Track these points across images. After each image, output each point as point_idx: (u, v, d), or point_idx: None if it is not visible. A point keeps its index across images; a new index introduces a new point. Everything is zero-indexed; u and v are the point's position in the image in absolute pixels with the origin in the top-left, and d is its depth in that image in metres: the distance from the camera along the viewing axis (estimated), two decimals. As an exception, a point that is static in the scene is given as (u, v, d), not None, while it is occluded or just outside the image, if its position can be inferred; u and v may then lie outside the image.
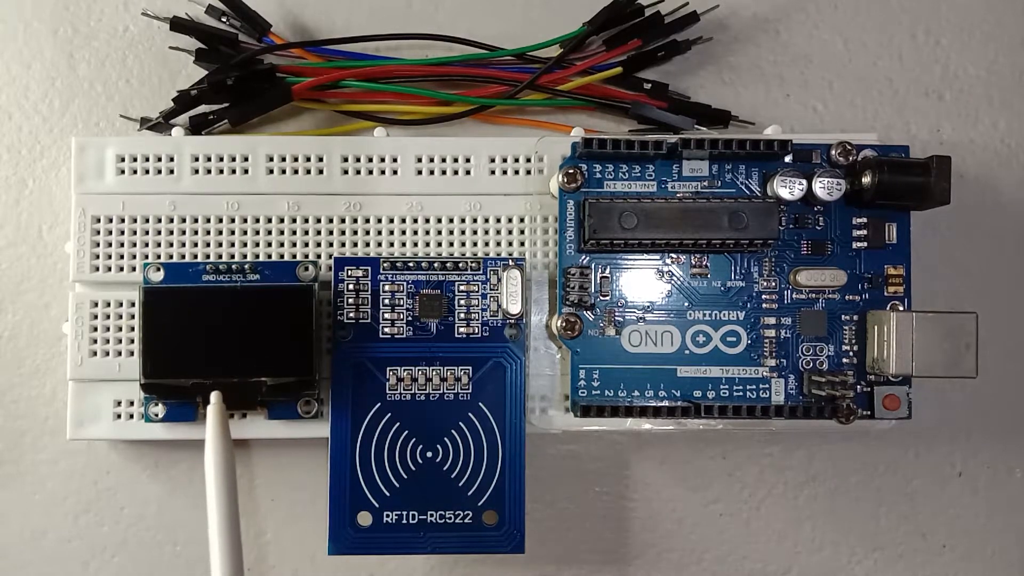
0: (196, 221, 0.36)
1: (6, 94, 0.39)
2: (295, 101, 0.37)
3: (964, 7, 0.40)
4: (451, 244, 0.36)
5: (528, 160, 0.36)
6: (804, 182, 0.34)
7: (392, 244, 0.36)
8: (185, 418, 0.35)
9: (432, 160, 0.36)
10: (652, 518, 0.39)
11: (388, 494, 0.34)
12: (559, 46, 0.38)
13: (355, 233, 0.36)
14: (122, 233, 0.35)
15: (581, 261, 0.35)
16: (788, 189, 0.34)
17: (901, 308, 0.35)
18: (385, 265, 0.35)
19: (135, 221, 0.35)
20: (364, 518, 0.34)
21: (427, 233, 0.36)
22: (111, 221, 0.35)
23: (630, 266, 0.35)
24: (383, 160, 0.36)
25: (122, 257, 0.35)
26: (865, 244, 0.35)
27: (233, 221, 0.36)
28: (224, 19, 0.37)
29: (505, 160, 0.36)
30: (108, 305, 0.35)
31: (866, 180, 0.34)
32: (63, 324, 0.36)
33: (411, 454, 0.34)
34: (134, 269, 0.35)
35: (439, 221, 0.36)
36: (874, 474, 0.39)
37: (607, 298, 0.35)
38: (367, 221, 0.36)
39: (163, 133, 0.37)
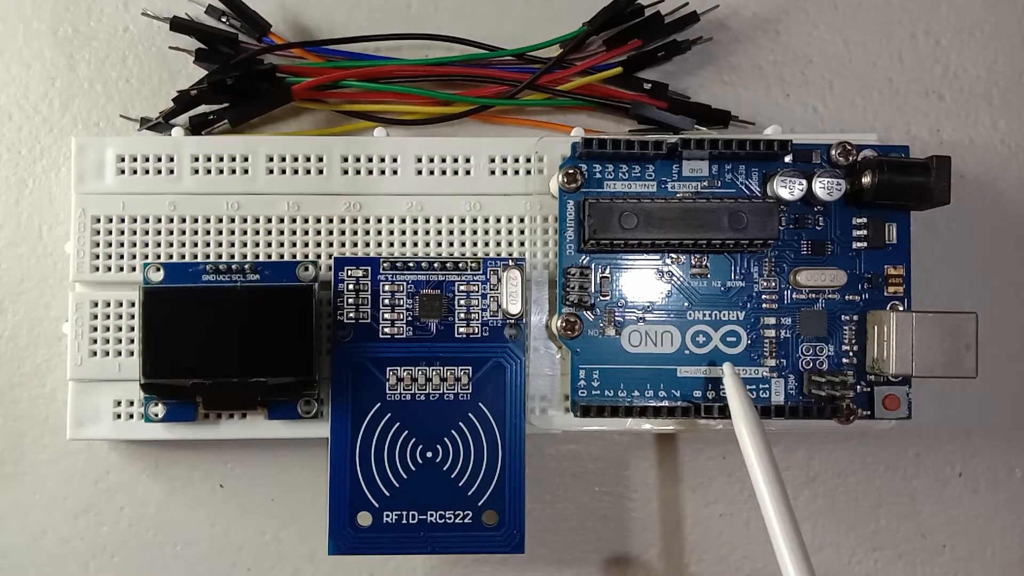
0: (196, 221, 0.36)
1: (6, 94, 0.39)
2: (295, 101, 0.37)
3: (964, 7, 0.40)
4: (451, 244, 0.36)
5: (528, 160, 0.36)
6: (804, 182, 0.34)
7: (392, 244, 0.36)
8: (185, 418, 0.35)
9: (432, 160, 0.36)
10: (652, 518, 0.39)
11: (388, 494, 0.34)
12: (559, 46, 0.38)
13: (355, 233, 0.36)
14: (122, 233, 0.35)
15: (581, 261, 0.35)
16: (788, 189, 0.34)
17: (901, 308, 0.35)
18: (385, 265, 0.35)
19: (135, 221, 0.35)
20: (364, 518, 0.34)
21: (427, 233, 0.36)
22: (111, 221, 0.35)
23: (630, 266, 0.35)
24: (383, 160, 0.36)
25: (122, 257, 0.35)
26: (865, 244, 0.35)
27: (233, 221, 0.36)
28: (224, 19, 0.37)
29: (505, 160, 0.36)
30: (108, 305, 0.35)
31: (866, 180, 0.34)
32: (63, 324, 0.36)
33: (411, 454, 0.34)
34: (134, 269, 0.35)
35: (439, 221, 0.36)
36: (874, 474, 0.39)
37: (607, 298, 0.35)
38: (367, 221, 0.36)
39: (163, 133, 0.37)
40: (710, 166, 0.35)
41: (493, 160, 0.36)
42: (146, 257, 0.35)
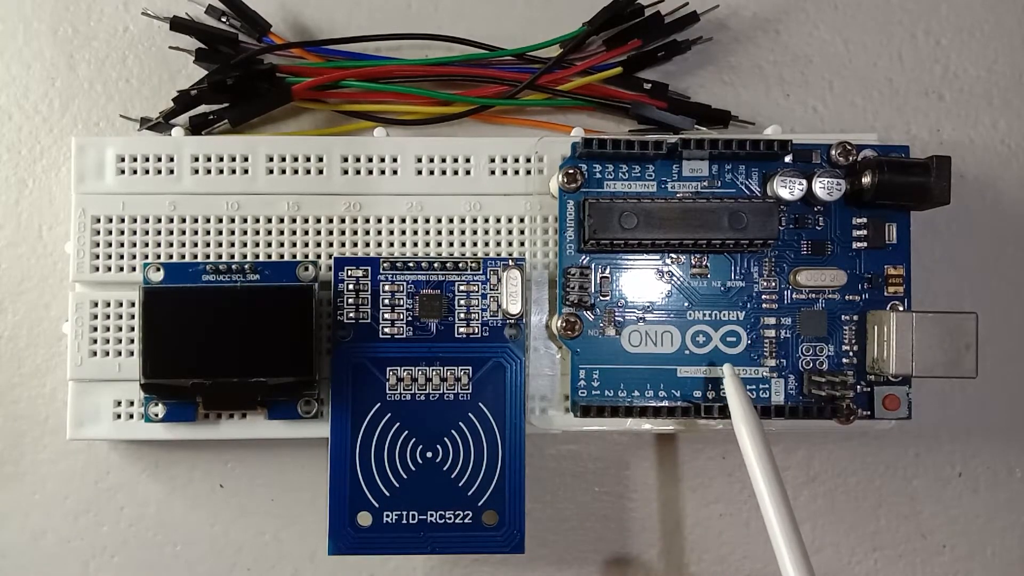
0: (196, 221, 0.36)
1: (6, 94, 0.39)
2: (295, 101, 0.37)
3: (964, 7, 0.40)
4: (451, 244, 0.36)
5: (528, 160, 0.36)
6: (804, 182, 0.34)
7: (392, 244, 0.36)
8: (185, 418, 0.35)
9: (432, 160, 0.36)
10: (652, 518, 0.39)
11: (388, 494, 0.34)
12: (559, 46, 0.38)
13: (355, 233, 0.36)
14: (122, 233, 0.35)
15: (581, 261, 0.35)
16: (788, 189, 0.34)
17: (901, 308, 0.35)
18: (385, 265, 0.35)
19: (135, 221, 0.35)
20: (364, 518, 0.34)
21: (427, 233, 0.36)
22: (111, 221, 0.35)
23: (630, 266, 0.35)
24: (383, 160, 0.36)
25: (122, 257, 0.35)
26: (865, 244, 0.35)
27: (233, 221, 0.36)
28: (224, 19, 0.37)
29: (505, 160, 0.36)
30: (108, 305, 0.35)
31: (866, 180, 0.34)
32: (63, 324, 0.36)
33: (411, 454, 0.34)
34: (134, 269, 0.35)
35: (439, 221, 0.36)
36: (874, 474, 0.39)
37: (607, 298, 0.35)
38: (367, 221, 0.36)
39: (163, 133, 0.37)
40: (710, 166, 0.35)
41: (493, 160, 0.36)
42: (146, 257, 0.35)
